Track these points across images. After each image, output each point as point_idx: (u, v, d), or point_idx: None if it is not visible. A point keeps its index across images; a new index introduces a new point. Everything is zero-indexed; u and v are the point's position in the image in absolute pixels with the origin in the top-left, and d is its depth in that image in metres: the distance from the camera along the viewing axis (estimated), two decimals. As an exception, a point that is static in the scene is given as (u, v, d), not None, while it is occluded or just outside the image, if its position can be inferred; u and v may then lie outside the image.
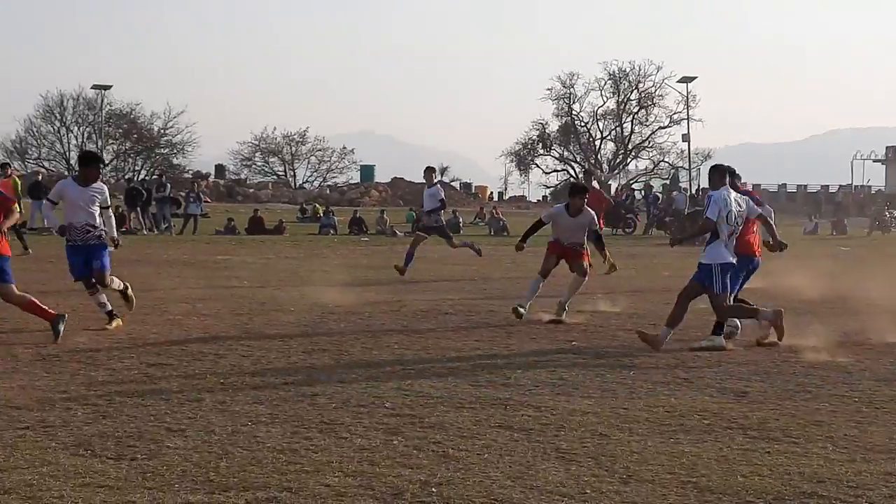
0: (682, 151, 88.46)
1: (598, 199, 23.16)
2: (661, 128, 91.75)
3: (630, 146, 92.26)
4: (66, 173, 77.76)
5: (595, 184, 26.71)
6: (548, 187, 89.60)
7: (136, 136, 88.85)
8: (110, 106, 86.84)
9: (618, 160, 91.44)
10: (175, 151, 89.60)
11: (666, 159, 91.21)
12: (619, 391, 8.77)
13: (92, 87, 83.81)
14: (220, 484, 5.84)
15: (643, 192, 58.73)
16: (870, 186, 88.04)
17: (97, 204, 11.91)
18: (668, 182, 71.60)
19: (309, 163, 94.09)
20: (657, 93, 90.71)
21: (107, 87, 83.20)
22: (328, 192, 78.60)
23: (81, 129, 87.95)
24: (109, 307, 11.95)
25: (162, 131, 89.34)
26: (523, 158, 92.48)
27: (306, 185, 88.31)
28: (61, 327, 10.96)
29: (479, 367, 9.77)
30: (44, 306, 11.21)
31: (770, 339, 11.27)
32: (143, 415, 7.50)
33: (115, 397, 8.07)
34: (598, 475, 6.16)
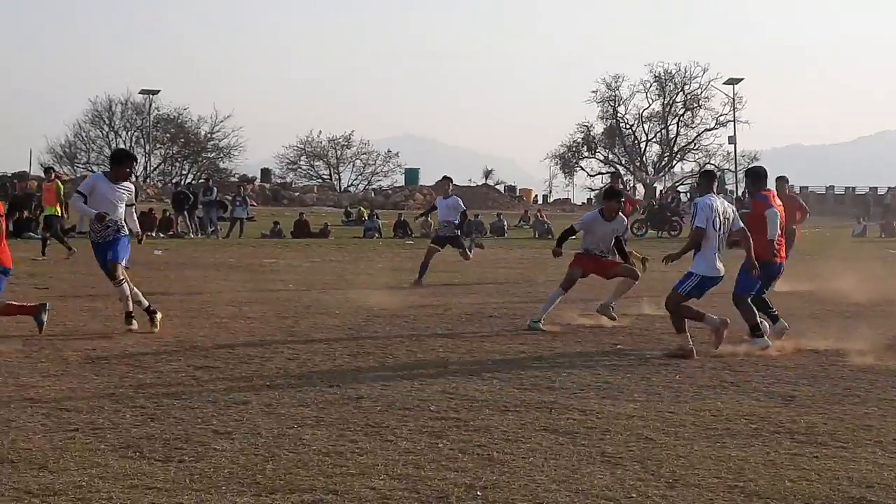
0: (729, 153, 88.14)
1: (627, 201, 22.80)
2: (706, 130, 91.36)
3: (675, 148, 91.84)
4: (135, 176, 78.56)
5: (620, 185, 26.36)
6: (592, 190, 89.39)
7: (183, 140, 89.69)
8: (158, 110, 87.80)
9: (663, 163, 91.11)
10: (222, 155, 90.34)
11: (712, 161, 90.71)
12: (665, 395, 8.73)
13: (140, 93, 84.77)
14: (267, 486, 5.87)
15: (689, 194, 58.40)
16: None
17: (124, 202, 11.95)
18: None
19: (354, 166, 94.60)
20: (703, 95, 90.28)
21: (155, 92, 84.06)
22: (373, 195, 78.86)
23: (129, 133, 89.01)
24: (130, 308, 11.92)
25: (209, 135, 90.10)
26: (568, 161, 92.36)
27: (351, 189, 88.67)
28: (44, 317, 11.16)
29: (524, 371, 9.76)
30: (21, 303, 11.38)
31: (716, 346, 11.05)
32: (191, 417, 7.56)
33: (163, 400, 8.14)
34: (643, 479, 6.14)
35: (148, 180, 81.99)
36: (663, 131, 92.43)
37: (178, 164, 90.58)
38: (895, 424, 7.71)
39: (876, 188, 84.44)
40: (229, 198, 43.40)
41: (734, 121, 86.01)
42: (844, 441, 7.15)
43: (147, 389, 8.55)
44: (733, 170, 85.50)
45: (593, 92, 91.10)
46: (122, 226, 11.90)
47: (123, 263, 11.86)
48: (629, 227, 23.21)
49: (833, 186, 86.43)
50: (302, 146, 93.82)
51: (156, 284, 18.42)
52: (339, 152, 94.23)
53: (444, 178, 21.19)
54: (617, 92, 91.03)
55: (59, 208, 24.53)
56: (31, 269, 21.10)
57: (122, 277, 11.74)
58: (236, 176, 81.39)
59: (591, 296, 13.62)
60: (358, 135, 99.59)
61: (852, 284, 17.60)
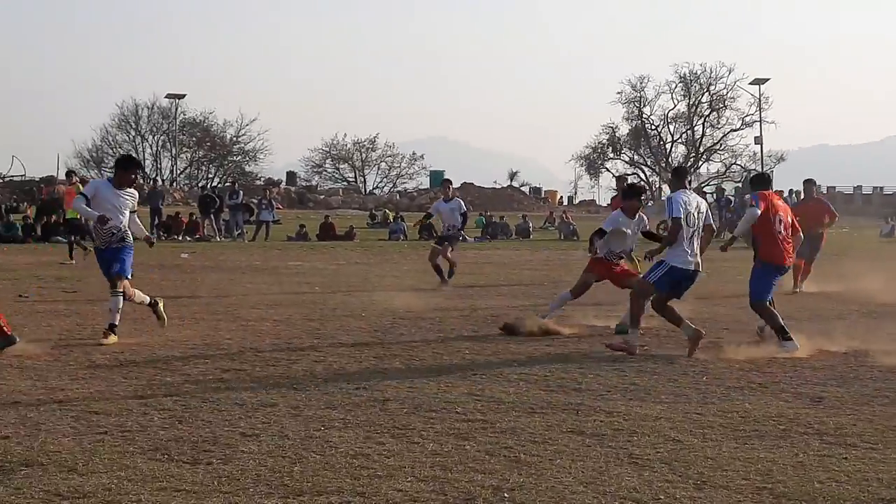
0: (755, 154, 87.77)
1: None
2: (732, 130, 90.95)
3: (701, 149, 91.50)
4: (141, 181, 78.95)
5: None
6: (617, 191, 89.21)
7: (209, 144, 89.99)
8: (184, 114, 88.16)
9: (689, 163, 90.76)
10: (247, 159, 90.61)
11: (738, 162, 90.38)
12: (692, 396, 8.69)
13: (166, 97, 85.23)
14: (294, 488, 5.89)
15: (715, 195, 58.14)
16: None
17: (127, 209, 11.69)
18: (740, 185, 70.81)
19: (379, 169, 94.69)
20: (729, 95, 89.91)
21: (181, 97, 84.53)
22: (398, 197, 78.94)
23: (156, 137, 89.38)
24: (116, 321, 11.52)
25: (234, 139, 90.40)
26: (593, 162, 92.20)
27: (376, 191, 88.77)
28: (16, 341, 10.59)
29: (550, 372, 9.74)
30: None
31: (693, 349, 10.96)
32: (218, 420, 7.59)
33: (191, 402, 8.17)
34: (671, 481, 6.11)
35: (174, 184, 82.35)
36: (689, 132, 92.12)
37: (204, 168, 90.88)
38: (925, 425, 7.66)
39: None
40: (255, 201, 43.59)
41: (760, 121, 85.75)
42: (874, 442, 7.10)
43: (175, 392, 8.58)
44: (760, 170, 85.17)
45: (618, 93, 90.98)
46: (127, 233, 11.69)
47: (128, 277, 11.71)
48: (657, 227, 23.11)
49: (860, 186, 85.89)
50: (327, 149, 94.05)
51: (182, 287, 18.52)
52: (364, 155, 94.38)
53: (445, 180, 21.21)
54: (642, 93, 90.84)
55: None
56: (59, 273, 21.25)
57: (122, 290, 11.53)
58: (262, 179, 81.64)
59: (617, 298, 13.56)
60: (383, 137, 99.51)
61: (880, 285, 17.49)
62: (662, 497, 5.81)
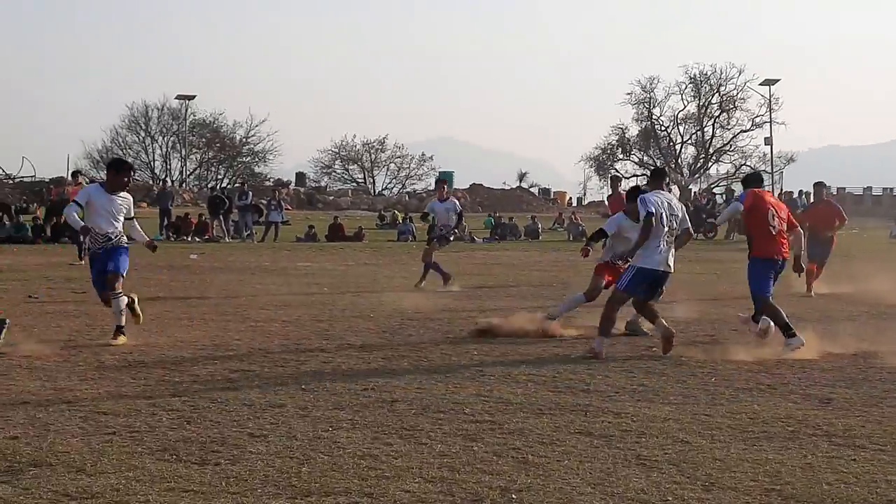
0: (765, 155, 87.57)
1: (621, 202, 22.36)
2: (742, 131, 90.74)
3: (711, 150, 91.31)
4: (151, 182, 79.13)
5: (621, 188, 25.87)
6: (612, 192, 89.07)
7: (218, 144, 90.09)
8: (194, 115, 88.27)
9: (699, 164, 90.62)
10: (257, 160, 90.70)
11: (748, 163, 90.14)
12: (701, 397, 8.68)
13: (176, 98, 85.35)
14: (302, 489, 5.89)
15: (724, 196, 58.10)
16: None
17: (121, 214, 11.51)
18: (749, 186, 70.62)
19: (388, 170, 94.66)
20: (739, 96, 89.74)
21: (191, 98, 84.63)
22: (407, 198, 78.93)
23: (166, 138, 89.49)
24: (123, 322, 11.46)
25: (244, 140, 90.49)
26: (603, 163, 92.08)
27: (385, 192, 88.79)
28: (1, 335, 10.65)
29: (559, 373, 9.73)
30: None
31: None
32: (227, 420, 7.60)
33: (199, 403, 8.18)
34: (679, 482, 6.11)
35: (184, 185, 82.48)
36: (699, 133, 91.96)
37: (213, 169, 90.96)
38: (934, 427, 7.63)
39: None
40: (264, 202, 43.63)
41: (770, 122, 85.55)
42: (882, 444, 7.09)
43: (183, 393, 8.60)
44: (770, 171, 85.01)
45: (628, 94, 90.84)
46: (122, 238, 11.52)
47: (124, 275, 11.54)
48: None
49: (870, 187, 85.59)
50: (336, 150, 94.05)
51: (191, 288, 18.56)
52: (373, 156, 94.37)
53: (440, 181, 21.17)
54: (652, 94, 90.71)
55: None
56: (68, 274, 21.30)
57: (119, 291, 11.38)
58: (271, 180, 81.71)
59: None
60: (392, 138, 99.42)
61: (890, 286, 17.44)
62: (671, 498, 5.80)
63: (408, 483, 6.03)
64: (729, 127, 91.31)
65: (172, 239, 38.50)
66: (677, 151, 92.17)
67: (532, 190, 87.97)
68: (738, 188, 69.38)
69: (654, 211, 10.93)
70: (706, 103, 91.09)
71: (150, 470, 6.24)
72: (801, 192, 51.19)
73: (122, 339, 11.32)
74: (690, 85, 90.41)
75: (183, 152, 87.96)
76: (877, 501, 5.81)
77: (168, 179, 72.26)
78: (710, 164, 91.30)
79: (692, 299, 15.59)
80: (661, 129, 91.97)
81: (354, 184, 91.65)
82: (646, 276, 11.00)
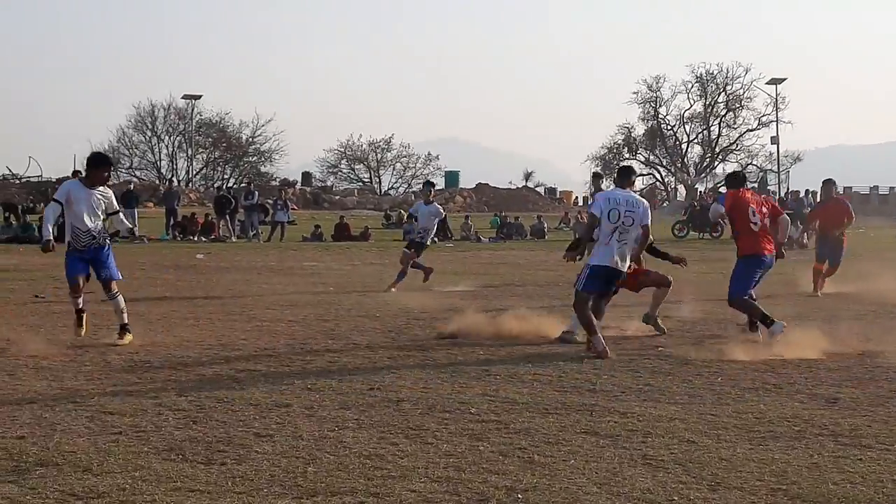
0: (771, 154, 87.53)
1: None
2: (749, 130, 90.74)
3: (717, 149, 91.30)
4: (157, 182, 79.23)
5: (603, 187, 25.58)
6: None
7: (225, 144, 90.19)
8: (200, 115, 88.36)
9: (705, 164, 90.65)
10: (263, 160, 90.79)
11: (754, 162, 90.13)
12: (707, 397, 8.67)
13: (182, 97, 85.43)
14: (308, 489, 5.90)
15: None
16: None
17: (102, 209, 11.34)
18: (756, 185, 70.75)
19: (394, 169, 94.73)
20: (745, 95, 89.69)
21: (197, 97, 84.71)
22: (413, 198, 78.95)
23: (172, 138, 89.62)
24: (126, 320, 11.47)
25: (250, 139, 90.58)
26: (609, 163, 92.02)
27: (391, 192, 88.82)
28: None
29: (565, 373, 9.73)
30: None
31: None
32: (233, 420, 7.61)
33: (205, 402, 8.19)
34: (685, 482, 6.10)
35: (190, 185, 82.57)
36: (705, 132, 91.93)
37: (219, 169, 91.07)
38: (941, 427, 7.62)
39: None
40: (270, 201, 43.64)
41: (777, 121, 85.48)
42: (889, 443, 7.08)
43: (189, 392, 8.61)
44: (776, 170, 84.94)
45: (634, 93, 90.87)
46: (105, 233, 11.44)
47: (119, 278, 11.53)
48: (672, 228, 22.99)
49: (877, 186, 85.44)
50: (342, 150, 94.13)
51: (198, 288, 18.57)
52: (379, 155, 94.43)
53: (426, 183, 20.99)
54: (658, 93, 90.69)
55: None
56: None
57: (117, 291, 11.38)
58: (277, 180, 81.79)
59: (631, 302, 13.51)
60: (398, 138, 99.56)
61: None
62: (676, 498, 5.80)
63: (414, 483, 6.03)
64: (735, 126, 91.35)
65: (179, 238, 38.53)
66: (683, 150, 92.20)
67: (538, 189, 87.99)
68: (743, 187, 69.34)
69: (596, 213, 11.07)
70: (712, 102, 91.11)
71: (157, 469, 6.25)
72: (807, 191, 51.08)
73: (128, 338, 11.32)
74: (697, 84, 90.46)
75: (189, 152, 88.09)
76: (883, 501, 5.81)
77: (174, 179, 72.45)
78: (716, 163, 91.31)
79: (698, 299, 15.57)
80: (667, 129, 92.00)
81: (360, 183, 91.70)
82: (598, 272, 11.08)
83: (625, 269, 11.27)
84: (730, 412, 8.05)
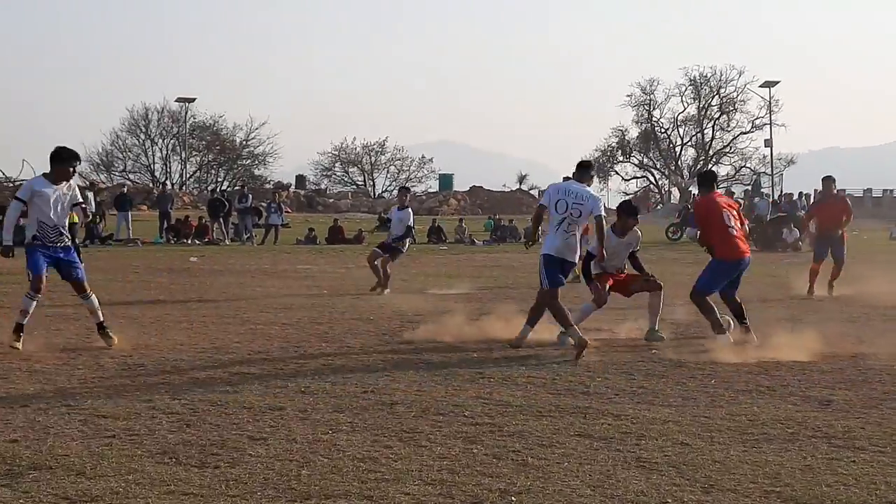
0: (765, 157, 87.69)
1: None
2: (742, 133, 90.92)
3: (711, 152, 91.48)
4: (151, 185, 79.14)
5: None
6: (627, 194, 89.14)
7: (218, 147, 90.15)
8: (194, 118, 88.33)
9: (698, 166, 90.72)
10: (257, 162, 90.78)
11: (748, 165, 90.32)
12: (701, 399, 8.68)
13: (176, 101, 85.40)
14: (302, 492, 5.89)
15: (724, 197, 58.11)
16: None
17: (67, 204, 11.14)
18: (749, 188, 70.83)
19: (388, 172, 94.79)
20: (739, 98, 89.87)
21: (191, 100, 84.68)
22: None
23: (166, 141, 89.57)
24: (101, 318, 11.40)
25: (244, 142, 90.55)
26: (602, 165, 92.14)
27: (385, 195, 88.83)
28: None
29: (559, 376, 9.74)
30: None
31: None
32: (226, 423, 7.60)
33: (199, 406, 8.18)
34: (679, 484, 6.11)
35: (184, 187, 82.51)
36: (699, 135, 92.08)
37: (213, 172, 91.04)
38: (934, 429, 7.63)
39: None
40: (264, 204, 43.63)
41: (770, 124, 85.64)
42: (882, 446, 7.09)
43: (182, 396, 8.60)
44: (770, 173, 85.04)
45: (628, 96, 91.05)
46: (67, 231, 11.30)
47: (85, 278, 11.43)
48: (666, 230, 22.98)
49: (870, 189, 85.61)
50: (336, 153, 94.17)
51: (191, 291, 18.56)
52: (373, 158, 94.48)
53: (401, 188, 21.11)
54: (652, 96, 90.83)
55: (74, 216, 24.42)
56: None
57: (89, 291, 11.32)
58: (271, 183, 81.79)
59: (627, 305, 13.52)
60: (392, 141, 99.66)
61: (889, 288, 17.44)
62: (670, 500, 5.80)
63: (407, 486, 6.03)
64: (729, 129, 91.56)
65: (172, 242, 38.50)
66: (677, 153, 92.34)
67: (532, 192, 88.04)
68: (737, 190, 69.52)
69: (544, 203, 11.53)
70: (706, 105, 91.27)
71: (150, 473, 6.25)
72: (801, 193, 51.22)
73: (115, 339, 11.29)
74: (690, 87, 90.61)
75: (183, 155, 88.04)
76: (876, 503, 5.81)
77: (168, 182, 72.32)
78: (709, 166, 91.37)
79: (691, 301, 15.56)
80: (661, 131, 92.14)
81: (354, 186, 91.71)
82: (551, 262, 11.25)
83: (574, 260, 11.46)
84: (723, 414, 8.06)
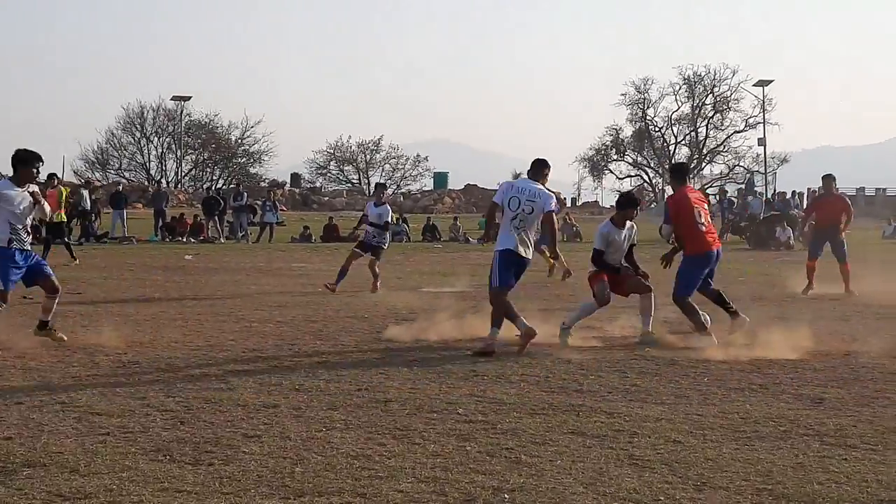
0: (758, 156, 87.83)
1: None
2: (736, 132, 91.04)
3: (705, 151, 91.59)
4: (146, 183, 79.08)
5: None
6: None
7: (214, 146, 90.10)
8: (189, 117, 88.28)
9: (692, 165, 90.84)
10: (252, 161, 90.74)
11: (741, 163, 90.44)
12: (693, 397, 8.71)
13: (172, 99, 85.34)
14: (295, 489, 5.91)
15: (717, 196, 58.21)
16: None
17: (28, 207, 11.02)
18: (743, 187, 70.93)
19: (383, 170, 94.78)
20: (733, 97, 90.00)
21: (186, 99, 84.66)
22: (402, 199, 78.99)
23: (161, 139, 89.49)
24: (48, 318, 11.42)
25: (239, 141, 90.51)
26: (597, 164, 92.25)
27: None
28: None
29: (552, 374, 9.76)
30: None
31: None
32: (220, 421, 7.61)
33: (193, 403, 8.20)
34: (671, 482, 6.13)
35: (179, 186, 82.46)
36: (692, 134, 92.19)
37: (208, 170, 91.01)
38: (925, 427, 7.66)
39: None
40: (259, 203, 43.63)
41: (763, 123, 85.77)
42: (874, 444, 7.12)
43: (177, 393, 8.61)
44: (763, 172, 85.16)
45: (622, 95, 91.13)
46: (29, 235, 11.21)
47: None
48: (659, 229, 22.95)
49: (863, 188, 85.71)
50: (331, 151, 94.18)
51: (186, 289, 18.56)
52: (368, 157, 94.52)
53: (378, 185, 21.10)
54: (646, 95, 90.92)
55: (63, 214, 24.43)
56: (63, 275, 21.20)
57: (58, 289, 11.34)
58: (266, 181, 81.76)
59: (623, 304, 13.52)
60: (387, 139, 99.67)
61: (882, 286, 17.48)
62: (662, 498, 5.82)
63: (401, 483, 6.05)
64: (722, 128, 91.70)
65: (167, 240, 38.49)
66: (671, 152, 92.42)
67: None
68: (730, 189, 69.58)
69: (497, 201, 11.48)
70: (700, 104, 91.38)
71: (144, 470, 6.26)
72: (794, 192, 51.30)
73: (59, 334, 11.31)
74: (684, 86, 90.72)
75: (178, 153, 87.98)
76: (867, 501, 5.84)
77: (163, 180, 72.34)
78: (703, 164, 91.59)
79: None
80: (655, 130, 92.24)
81: (349, 184, 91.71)
82: (505, 257, 11.26)
83: (528, 257, 11.46)
84: (716, 412, 8.08)
